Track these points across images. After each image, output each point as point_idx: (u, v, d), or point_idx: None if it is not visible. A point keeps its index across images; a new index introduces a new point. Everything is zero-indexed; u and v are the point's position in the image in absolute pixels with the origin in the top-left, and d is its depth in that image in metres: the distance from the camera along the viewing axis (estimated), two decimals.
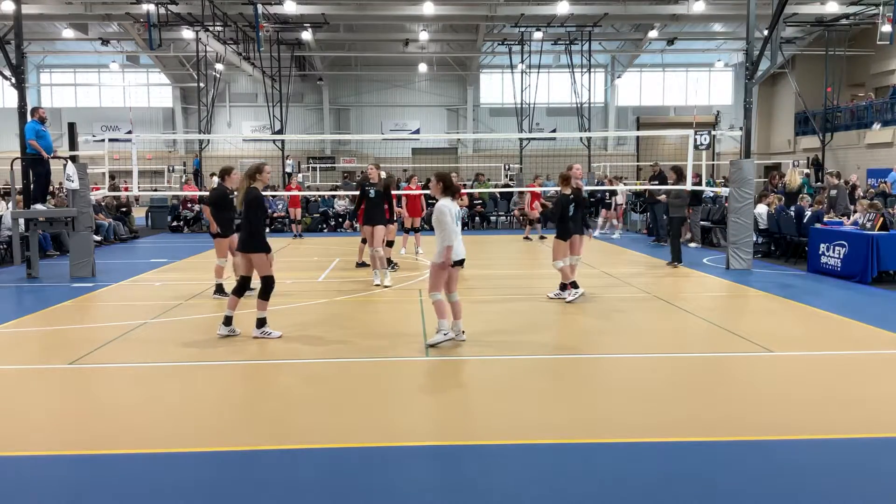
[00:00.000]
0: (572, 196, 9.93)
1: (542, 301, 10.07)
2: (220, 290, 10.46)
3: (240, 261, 8.05)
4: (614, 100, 41.23)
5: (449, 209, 7.42)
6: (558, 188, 10.34)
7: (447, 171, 8.04)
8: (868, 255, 11.38)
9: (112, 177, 22.64)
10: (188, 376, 6.61)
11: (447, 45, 37.97)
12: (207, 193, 11.61)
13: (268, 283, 7.82)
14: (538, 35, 31.88)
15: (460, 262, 7.58)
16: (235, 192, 9.87)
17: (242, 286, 7.92)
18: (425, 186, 18.86)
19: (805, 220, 13.89)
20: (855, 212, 13.82)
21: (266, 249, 7.80)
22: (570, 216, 9.89)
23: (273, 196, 23.22)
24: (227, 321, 7.92)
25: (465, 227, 21.42)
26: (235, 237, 10.33)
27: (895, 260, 11.51)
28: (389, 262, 12.32)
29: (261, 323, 7.87)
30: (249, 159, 39.11)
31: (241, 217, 7.96)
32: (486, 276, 12.72)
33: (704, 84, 41.42)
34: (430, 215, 20.31)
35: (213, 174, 26.58)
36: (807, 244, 13.24)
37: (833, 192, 16.13)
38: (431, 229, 11.58)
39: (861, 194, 19.57)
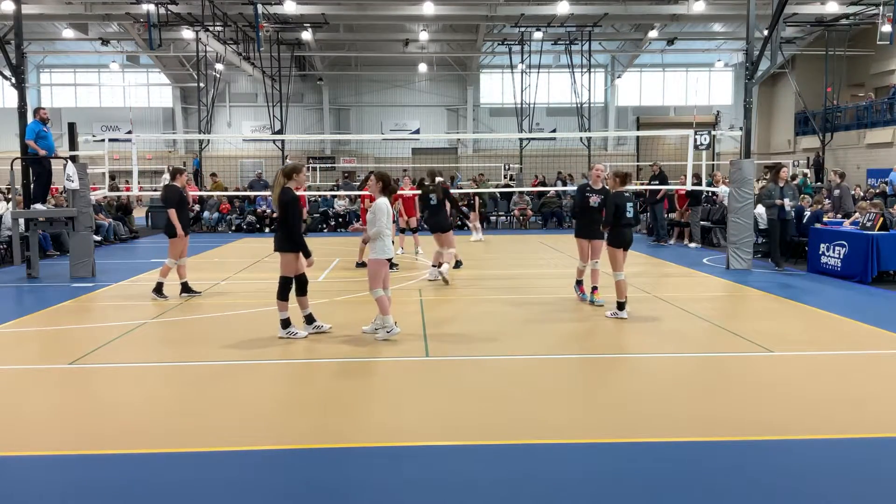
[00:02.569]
0: (627, 194, 9.06)
1: (541, 301, 10.07)
2: (159, 289, 10.34)
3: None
4: (614, 100, 41.22)
5: (388, 208, 7.68)
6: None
7: (385, 172, 8.20)
8: (868, 255, 11.37)
9: (112, 177, 22.64)
10: (188, 376, 6.61)
11: (447, 45, 37.96)
12: (161, 193, 11.58)
13: (284, 284, 7.79)
14: (538, 35, 31.88)
15: (388, 261, 7.87)
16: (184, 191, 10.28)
17: (301, 284, 7.93)
18: (419, 186, 18.94)
19: (805, 220, 13.88)
20: (855, 212, 13.81)
21: (296, 251, 7.74)
22: (626, 219, 8.93)
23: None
24: (308, 320, 7.97)
25: (465, 228, 21.41)
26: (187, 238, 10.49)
27: (895, 260, 11.51)
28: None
29: (285, 324, 7.84)
30: (249, 159, 39.21)
31: (278, 217, 7.89)
32: (487, 276, 12.72)
33: (704, 84, 41.40)
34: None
35: (213, 174, 26.67)
36: (807, 244, 13.23)
37: (837, 192, 16.10)
38: (428, 230, 11.54)
39: (861, 194, 19.56)
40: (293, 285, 7.90)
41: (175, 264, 10.43)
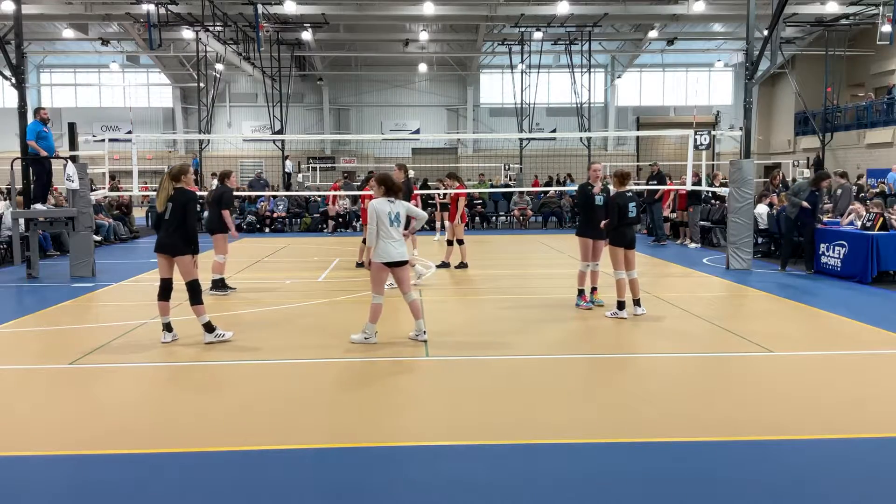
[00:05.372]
0: (629, 193, 8.96)
1: (541, 301, 10.06)
2: (221, 285, 10.79)
3: (162, 262, 7.74)
4: (614, 100, 41.24)
5: (377, 210, 7.34)
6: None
7: (387, 174, 7.93)
8: (868, 255, 11.37)
9: (112, 177, 22.65)
10: (188, 376, 6.61)
11: (447, 45, 37.97)
12: (210, 195, 11.78)
13: (195, 287, 7.59)
14: (538, 35, 31.88)
15: (400, 264, 7.51)
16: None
17: (167, 289, 7.71)
18: (423, 186, 18.96)
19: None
20: (851, 213, 13.75)
21: (195, 252, 7.61)
22: (628, 218, 8.83)
23: (273, 196, 23.30)
24: (168, 328, 7.70)
25: (466, 228, 21.40)
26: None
27: (895, 260, 11.51)
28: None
29: (209, 328, 7.63)
30: (249, 159, 39.21)
31: (171, 218, 7.55)
32: (488, 276, 12.72)
33: (704, 84, 41.42)
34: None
35: (214, 174, 26.65)
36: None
37: (839, 192, 16.05)
38: (426, 230, 11.65)
39: (861, 194, 19.52)
40: (159, 289, 7.68)
41: (224, 259, 10.82)
